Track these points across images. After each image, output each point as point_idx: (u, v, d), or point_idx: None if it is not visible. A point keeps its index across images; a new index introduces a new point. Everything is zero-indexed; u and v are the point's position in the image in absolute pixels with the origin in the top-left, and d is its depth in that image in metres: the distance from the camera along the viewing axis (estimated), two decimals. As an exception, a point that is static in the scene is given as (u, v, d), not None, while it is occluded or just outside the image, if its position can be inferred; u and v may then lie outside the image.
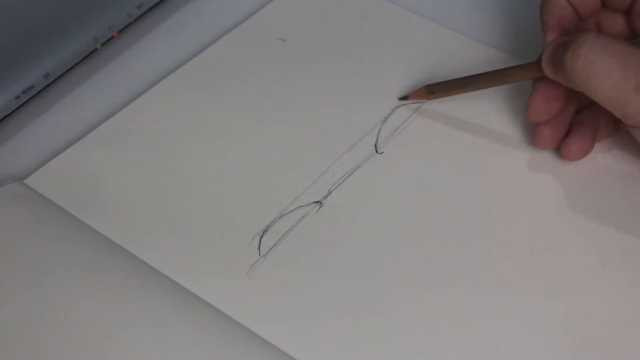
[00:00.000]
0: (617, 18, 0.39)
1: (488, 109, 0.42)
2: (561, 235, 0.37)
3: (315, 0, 0.49)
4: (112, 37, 0.46)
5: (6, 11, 0.41)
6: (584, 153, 0.39)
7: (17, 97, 0.42)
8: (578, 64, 0.34)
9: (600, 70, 0.33)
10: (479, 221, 0.38)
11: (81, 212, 0.38)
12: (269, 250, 0.37)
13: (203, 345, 0.33)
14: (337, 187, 0.39)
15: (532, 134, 0.39)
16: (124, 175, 0.40)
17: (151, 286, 0.35)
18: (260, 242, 0.37)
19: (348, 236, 0.37)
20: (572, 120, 0.39)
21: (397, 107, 0.42)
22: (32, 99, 0.43)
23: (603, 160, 0.39)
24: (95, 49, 0.46)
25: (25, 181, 0.39)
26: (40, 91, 0.44)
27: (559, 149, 0.39)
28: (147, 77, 0.45)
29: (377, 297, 0.35)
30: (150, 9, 0.48)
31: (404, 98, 0.42)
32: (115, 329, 0.33)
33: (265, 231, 0.37)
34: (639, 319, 0.34)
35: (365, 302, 0.35)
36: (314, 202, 0.38)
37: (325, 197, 0.39)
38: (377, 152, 0.41)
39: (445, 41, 0.46)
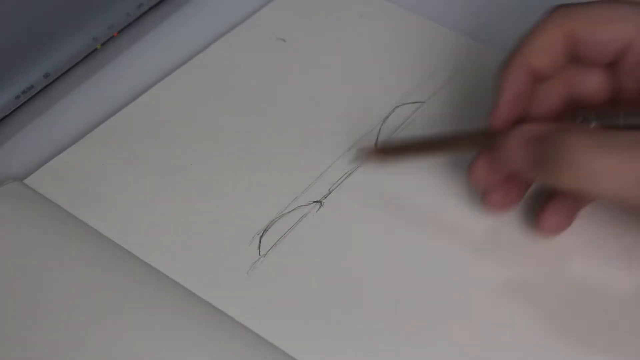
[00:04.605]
0: (594, 74, 0.34)
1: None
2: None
3: (315, 0, 0.49)
4: (112, 37, 0.46)
5: (6, 11, 0.41)
6: (560, 228, 0.35)
7: (17, 97, 0.42)
8: (571, 172, 0.29)
9: (601, 174, 0.29)
10: (478, 218, 0.37)
11: (81, 212, 0.38)
12: (269, 250, 0.37)
13: (203, 344, 0.33)
14: (337, 187, 0.39)
15: (481, 199, 0.35)
16: (124, 175, 0.40)
17: (151, 286, 0.35)
18: (260, 241, 0.37)
19: (348, 236, 0.37)
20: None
21: (397, 106, 0.42)
22: (32, 99, 0.44)
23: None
24: (95, 49, 0.46)
25: (25, 181, 0.39)
26: (40, 91, 0.44)
27: (533, 223, 0.35)
28: (147, 77, 0.45)
29: (377, 297, 0.35)
30: (150, 9, 0.48)
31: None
32: (115, 328, 0.33)
33: (265, 231, 0.37)
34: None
35: (365, 302, 0.35)
36: (314, 202, 0.38)
37: (325, 197, 0.39)
38: (377, 152, 0.41)
39: (446, 41, 0.46)
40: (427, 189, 0.39)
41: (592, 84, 0.34)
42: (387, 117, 0.42)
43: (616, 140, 0.29)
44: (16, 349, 0.33)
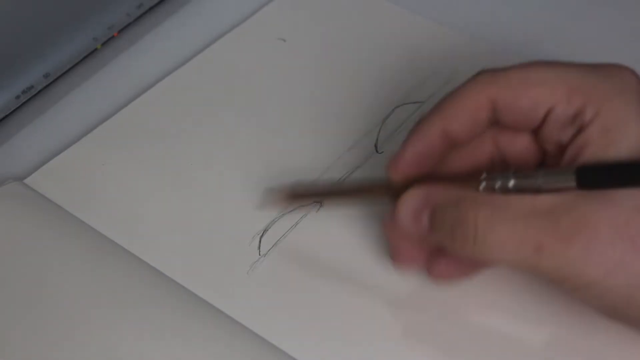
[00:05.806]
0: (520, 137, 0.32)
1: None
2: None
3: (315, 0, 0.49)
4: (112, 37, 0.46)
5: (7, 11, 0.41)
6: (450, 277, 0.33)
7: (17, 97, 0.42)
8: (467, 247, 0.29)
9: (494, 247, 0.29)
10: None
11: (81, 212, 0.38)
12: (269, 250, 0.37)
13: (203, 344, 0.33)
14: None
15: (390, 252, 0.34)
16: (124, 175, 0.40)
17: (151, 286, 0.35)
18: (260, 242, 0.37)
19: (348, 236, 0.37)
20: None
21: (397, 107, 0.42)
22: (32, 99, 0.44)
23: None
24: (95, 49, 0.46)
25: (25, 181, 0.39)
26: (40, 91, 0.44)
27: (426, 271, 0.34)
28: (147, 77, 0.45)
29: (377, 297, 0.35)
30: (150, 9, 0.48)
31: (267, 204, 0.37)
32: (114, 328, 0.33)
33: (265, 231, 0.37)
34: None
35: (365, 301, 0.35)
36: (314, 202, 0.38)
37: (325, 197, 0.39)
38: (377, 152, 0.41)
39: (446, 41, 0.46)
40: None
41: (518, 147, 0.33)
42: (387, 117, 0.42)
43: (510, 207, 0.29)
44: (16, 349, 0.33)
